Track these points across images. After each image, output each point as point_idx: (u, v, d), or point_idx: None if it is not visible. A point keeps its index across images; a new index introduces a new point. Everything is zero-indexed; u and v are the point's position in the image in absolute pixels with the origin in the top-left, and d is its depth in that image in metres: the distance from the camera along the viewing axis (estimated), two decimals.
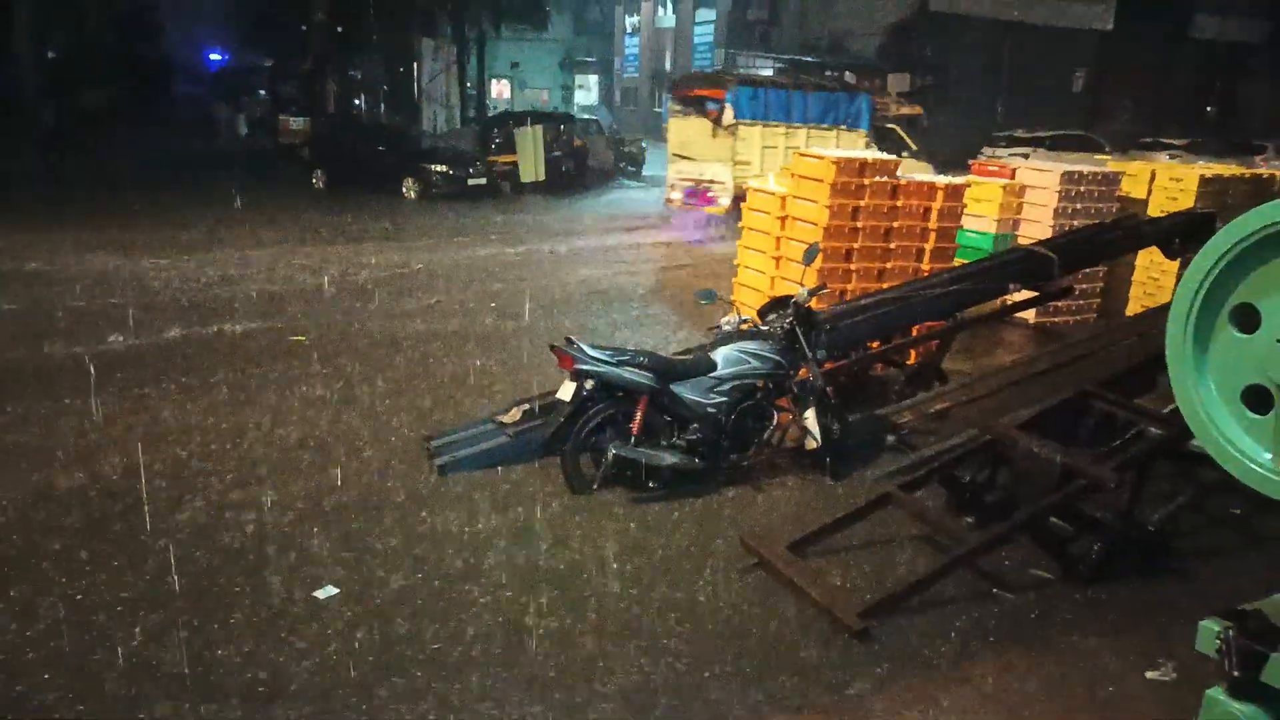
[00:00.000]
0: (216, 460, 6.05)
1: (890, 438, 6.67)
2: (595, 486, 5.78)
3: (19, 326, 8.91)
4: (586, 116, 29.71)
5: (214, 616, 4.33)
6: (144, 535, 5.04)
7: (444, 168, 20.26)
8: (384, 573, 4.77)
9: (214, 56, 70.04)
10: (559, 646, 4.24)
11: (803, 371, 6.26)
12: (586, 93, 47.99)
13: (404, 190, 20.02)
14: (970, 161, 11.73)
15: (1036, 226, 10.43)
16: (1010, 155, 13.62)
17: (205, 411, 6.89)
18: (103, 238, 13.40)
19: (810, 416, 6.13)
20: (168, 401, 7.06)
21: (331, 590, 4.58)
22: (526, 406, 6.45)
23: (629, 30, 48.09)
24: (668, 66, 43.86)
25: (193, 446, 6.24)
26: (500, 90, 40.70)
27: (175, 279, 11.18)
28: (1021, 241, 9.83)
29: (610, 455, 5.70)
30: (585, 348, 5.80)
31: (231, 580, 4.64)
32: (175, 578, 4.62)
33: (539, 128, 22.22)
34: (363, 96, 31.71)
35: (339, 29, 27.50)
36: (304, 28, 27.95)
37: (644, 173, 26.71)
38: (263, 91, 41.75)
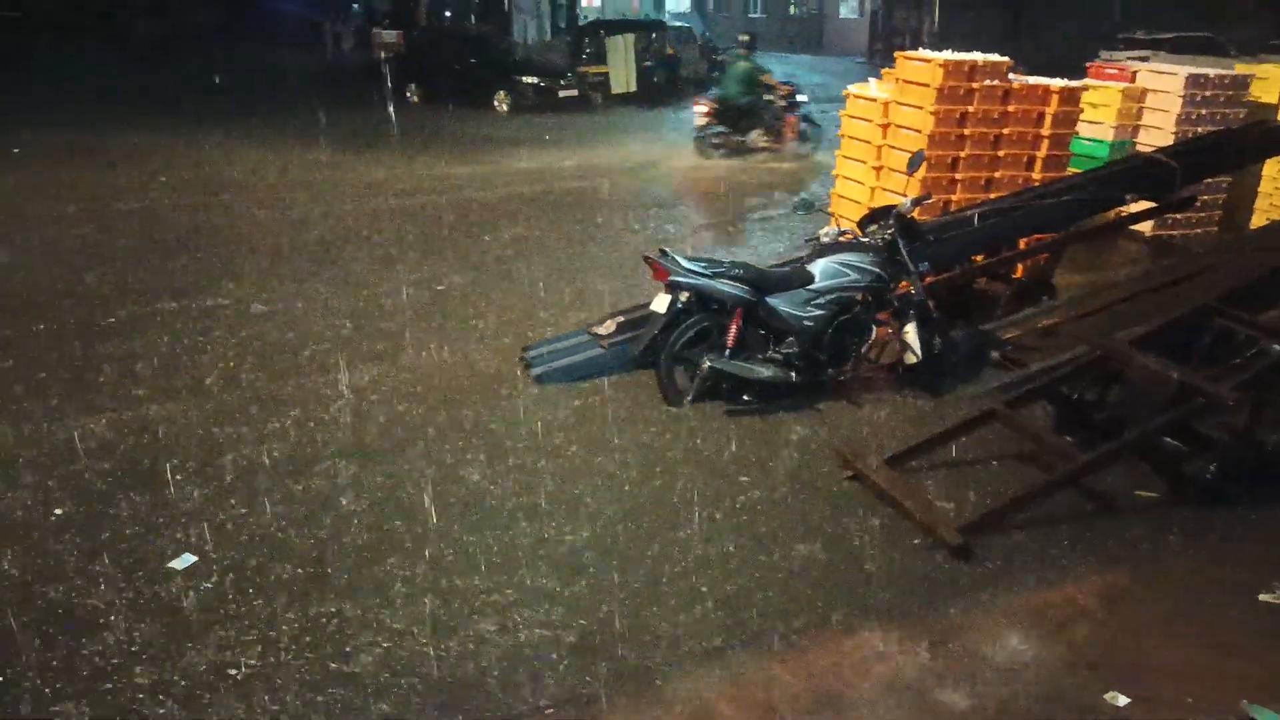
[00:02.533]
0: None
1: (994, 354, 6.48)
2: (689, 399, 5.78)
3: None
4: (679, 24, 28.93)
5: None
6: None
7: (535, 80, 20.06)
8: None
9: None
10: (652, 553, 4.29)
11: (903, 285, 6.09)
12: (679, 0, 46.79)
13: (496, 103, 19.93)
14: (1086, 65, 11.04)
15: (1157, 134, 9.83)
16: (1129, 58, 12.75)
17: None
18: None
19: (911, 331, 5.98)
20: None
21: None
22: (621, 318, 6.44)
23: None
24: None
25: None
26: None
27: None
28: (1141, 149, 9.29)
29: (704, 368, 5.68)
30: (679, 259, 5.73)
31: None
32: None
33: (630, 37, 21.75)
34: (455, 8, 31.45)
35: None
36: None
37: None
38: (357, 5, 41.85)
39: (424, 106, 20.32)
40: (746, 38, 14.74)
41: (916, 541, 4.44)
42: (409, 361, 6.41)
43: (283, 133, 15.72)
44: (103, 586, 3.93)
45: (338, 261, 8.65)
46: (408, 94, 21.07)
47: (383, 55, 24.53)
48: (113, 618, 3.73)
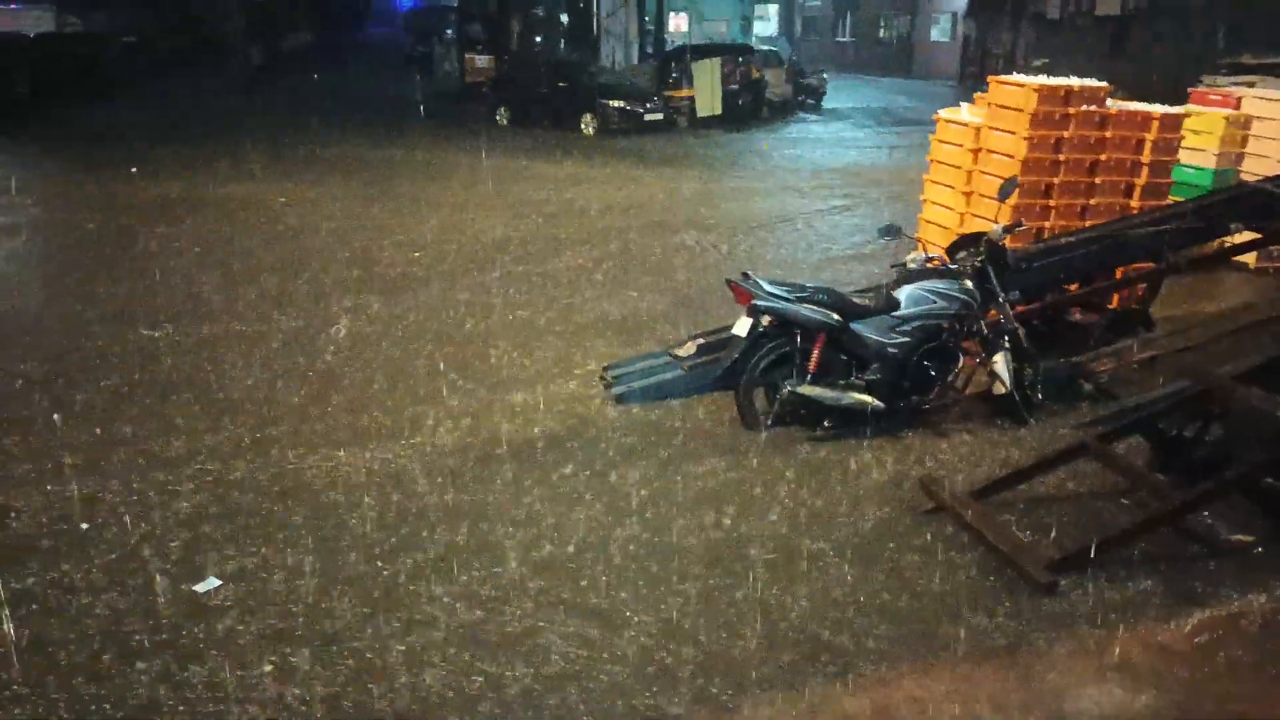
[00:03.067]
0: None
1: (1087, 385, 6.28)
2: (769, 423, 5.74)
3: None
4: (765, 48, 28.97)
5: None
6: None
7: (621, 103, 20.32)
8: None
9: None
10: (723, 582, 4.26)
11: (992, 313, 5.96)
12: (766, 23, 46.81)
13: (582, 126, 20.23)
14: (1189, 90, 10.69)
15: (1263, 162, 9.45)
16: (1234, 84, 12.29)
17: None
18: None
19: (999, 360, 5.83)
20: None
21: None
22: (701, 340, 6.45)
23: None
24: None
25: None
26: (678, 24, 40.22)
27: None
28: (1245, 178, 8.93)
29: (785, 392, 5.63)
30: (762, 282, 5.71)
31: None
32: None
33: (716, 60, 21.88)
34: (544, 34, 32.06)
35: None
36: None
37: (825, 105, 25.92)
38: (449, 31, 42.96)
39: (512, 129, 20.70)
40: None
41: (1003, 578, 4.31)
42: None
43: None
44: None
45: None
46: (497, 117, 21.52)
47: (476, 80, 25.13)
48: None
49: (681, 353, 6.38)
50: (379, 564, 4.30)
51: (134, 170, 14.02)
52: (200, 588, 4.08)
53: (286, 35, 37.27)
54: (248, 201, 12.14)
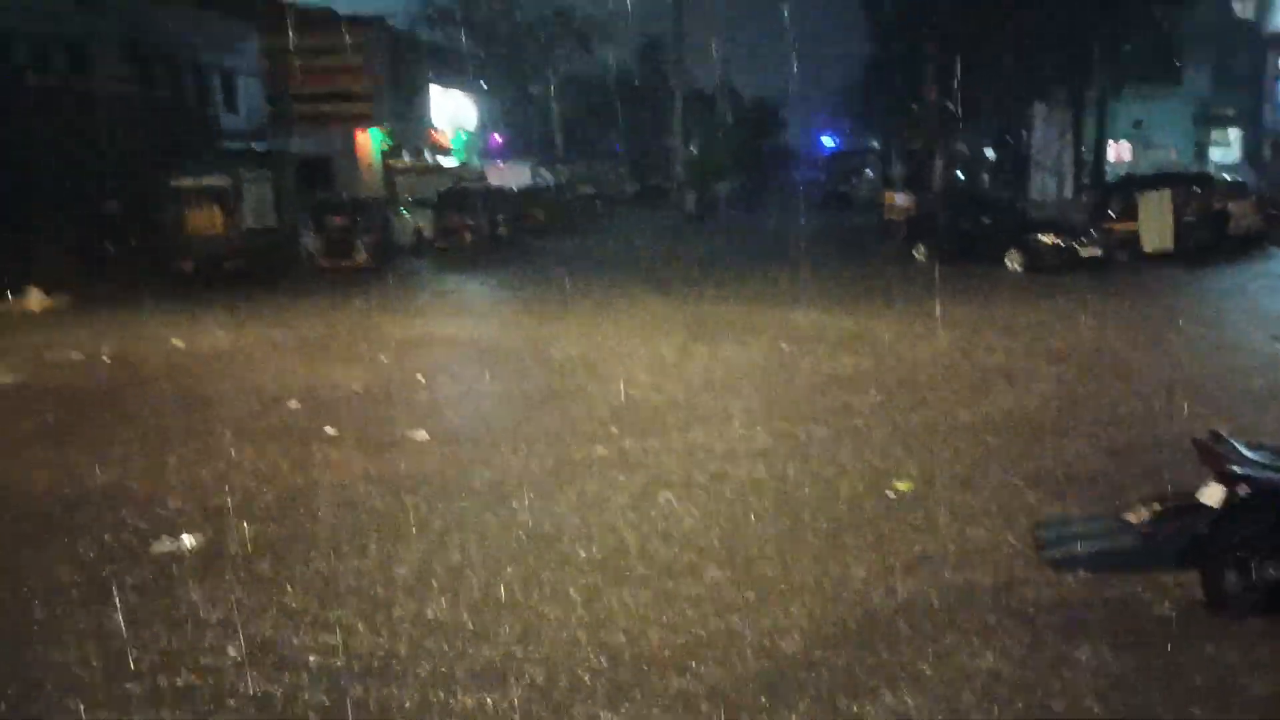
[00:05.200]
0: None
1: None
2: (1244, 609, 4.85)
3: None
4: (1226, 176, 26.05)
5: None
6: None
7: (1052, 238, 19.21)
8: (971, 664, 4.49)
9: (827, 142, 75.95)
10: None
11: None
12: (1225, 149, 42.22)
13: (1007, 262, 19.36)
14: None
15: None
16: None
17: None
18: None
19: None
20: None
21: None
22: (1158, 506, 5.66)
23: None
24: None
25: None
26: (1119, 153, 37.65)
27: None
28: None
29: (1267, 575, 4.74)
30: (1239, 446, 4.94)
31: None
32: None
33: (1167, 191, 20.00)
34: (968, 169, 31.69)
35: (948, 104, 27.86)
36: (914, 107, 28.85)
37: None
38: (869, 171, 44.08)
39: (930, 264, 20.35)
40: None
41: None
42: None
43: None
44: None
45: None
46: (915, 253, 21.38)
47: (894, 218, 25.35)
48: None
49: (1133, 518, 5.63)
50: None
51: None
52: None
53: (720, 181, 40.55)
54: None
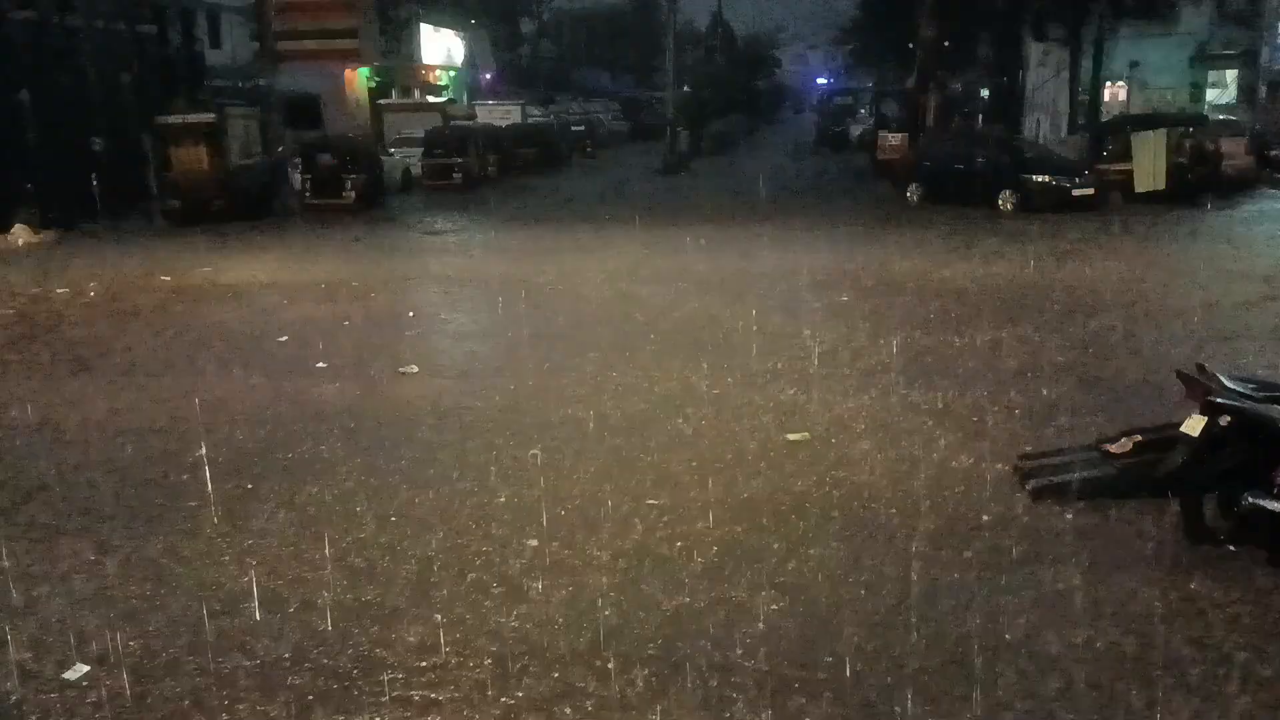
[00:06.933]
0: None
1: None
2: (1221, 539, 4.94)
3: None
4: (1222, 117, 25.88)
5: None
6: None
7: (1045, 178, 19.13)
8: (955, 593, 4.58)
9: (820, 81, 75.12)
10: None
11: None
12: (1221, 90, 41.82)
13: (999, 203, 19.29)
14: None
15: None
16: None
17: None
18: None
19: None
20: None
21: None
22: (1139, 437, 5.73)
23: None
24: None
25: None
26: (1115, 93, 37.30)
27: None
28: None
29: (1245, 504, 4.81)
30: (1222, 377, 4.99)
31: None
32: None
33: (1161, 132, 19.86)
34: (963, 109, 31.40)
35: (945, 44, 27.47)
36: (910, 46, 28.43)
37: None
38: (864, 111, 43.64)
39: (922, 205, 20.30)
40: None
41: None
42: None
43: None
44: None
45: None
46: (908, 194, 21.26)
47: (888, 158, 25.15)
48: None
49: (1114, 449, 5.71)
50: None
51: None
52: None
53: (712, 121, 40.11)
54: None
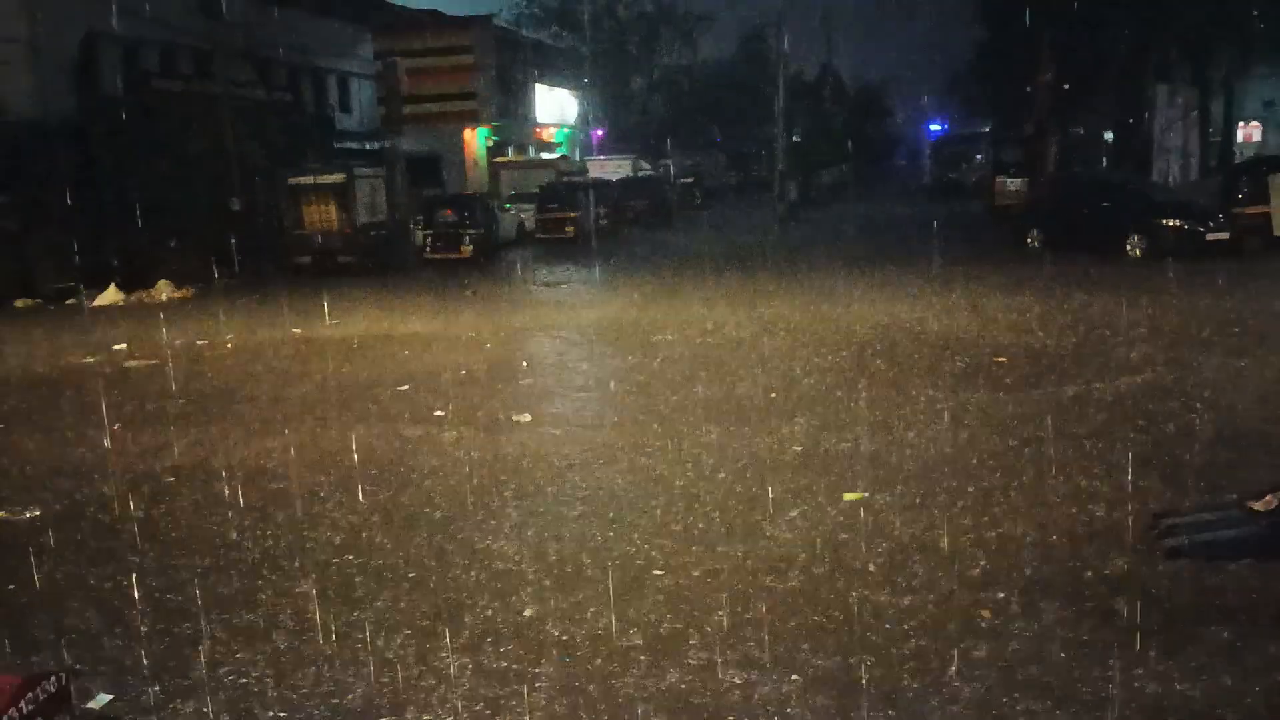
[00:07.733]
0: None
1: None
2: None
3: None
4: None
5: None
6: None
7: (1177, 222, 18.36)
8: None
9: (933, 128, 74.26)
10: None
11: None
12: None
13: (1127, 248, 18.58)
14: None
15: None
16: None
17: None
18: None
19: None
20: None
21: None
22: None
23: None
24: None
25: None
26: (1249, 133, 35.66)
27: None
28: None
29: None
30: None
31: None
32: None
33: None
34: (1086, 153, 30.49)
35: (1065, 86, 26.84)
36: (1029, 89, 27.88)
37: None
38: (979, 156, 42.87)
39: (1044, 251, 19.72)
40: None
41: None
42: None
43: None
44: None
45: None
46: (1028, 240, 20.72)
47: (1006, 204, 24.60)
48: None
49: (1259, 505, 5.38)
50: None
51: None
52: None
53: (823, 171, 40.10)
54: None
